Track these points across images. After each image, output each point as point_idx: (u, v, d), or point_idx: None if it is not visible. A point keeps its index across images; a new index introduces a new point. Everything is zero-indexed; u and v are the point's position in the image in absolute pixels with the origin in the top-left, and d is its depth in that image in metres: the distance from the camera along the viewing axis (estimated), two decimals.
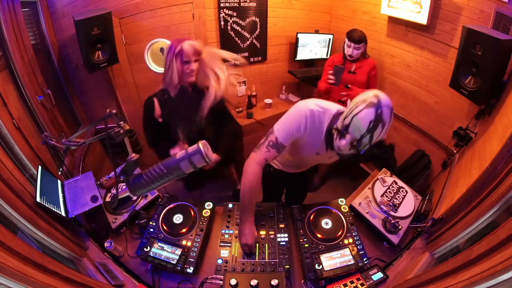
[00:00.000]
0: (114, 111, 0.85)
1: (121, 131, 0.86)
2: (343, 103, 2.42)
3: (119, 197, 1.46)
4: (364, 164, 2.83)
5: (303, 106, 1.13)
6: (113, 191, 1.54)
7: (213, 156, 1.73)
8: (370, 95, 0.96)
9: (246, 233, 1.27)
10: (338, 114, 1.11)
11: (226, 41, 2.68)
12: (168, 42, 1.47)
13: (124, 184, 1.50)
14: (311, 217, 1.38)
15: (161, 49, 2.28)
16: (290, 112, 1.16)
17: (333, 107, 1.15)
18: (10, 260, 0.76)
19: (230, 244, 1.31)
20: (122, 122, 0.87)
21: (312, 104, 1.12)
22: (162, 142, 1.59)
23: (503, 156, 1.16)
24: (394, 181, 1.58)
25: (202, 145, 0.81)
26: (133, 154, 0.89)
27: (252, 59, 2.93)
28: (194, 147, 0.82)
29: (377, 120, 0.93)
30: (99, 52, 2.02)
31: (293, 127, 1.13)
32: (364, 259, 1.21)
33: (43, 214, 1.18)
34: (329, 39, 3.03)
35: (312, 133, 1.15)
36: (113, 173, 1.66)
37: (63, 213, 1.28)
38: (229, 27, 2.63)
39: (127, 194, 1.50)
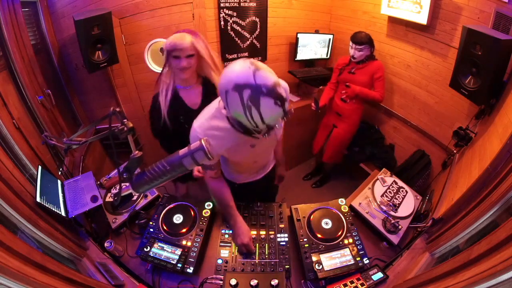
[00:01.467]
0: (117, 109, 0.85)
1: (125, 128, 0.87)
2: (345, 102, 2.43)
3: (122, 194, 1.46)
4: (364, 164, 2.83)
5: (192, 132, 1.09)
6: (114, 190, 1.55)
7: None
8: (235, 94, 0.81)
9: (239, 233, 1.27)
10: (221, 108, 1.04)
11: (226, 41, 2.68)
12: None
13: (124, 184, 1.51)
14: (311, 217, 1.38)
15: (161, 49, 2.27)
16: (191, 141, 1.10)
17: (211, 108, 1.09)
18: (10, 260, 0.76)
19: (230, 244, 1.31)
20: (125, 120, 0.87)
21: (197, 124, 1.09)
22: (167, 137, 1.55)
23: (503, 156, 1.16)
24: (394, 181, 1.58)
25: (204, 141, 0.81)
26: (136, 151, 0.89)
27: (252, 59, 2.92)
28: (196, 143, 0.83)
29: (274, 94, 0.80)
30: (99, 52, 2.02)
31: (211, 151, 1.10)
32: (364, 259, 1.21)
33: (43, 214, 1.18)
34: (329, 39, 3.03)
35: (222, 142, 1.08)
36: (113, 173, 1.66)
37: (63, 213, 1.28)
38: (229, 27, 2.63)
39: (130, 191, 1.50)
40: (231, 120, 1.04)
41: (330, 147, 2.68)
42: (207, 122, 1.08)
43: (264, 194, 1.71)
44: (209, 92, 1.50)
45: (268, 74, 0.82)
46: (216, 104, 1.09)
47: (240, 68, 0.82)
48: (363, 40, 2.16)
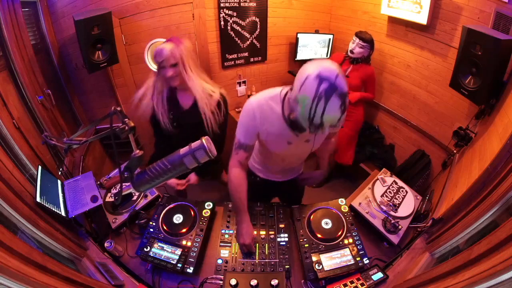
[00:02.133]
0: (118, 108, 0.85)
1: (126, 127, 0.86)
2: None
3: (122, 193, 1.46)
4: (364, 164, 2.83)
5: (247, 103, 1.16)
6: (114, 190, 1.55)
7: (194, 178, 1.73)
8: (315, 81, 0.86)
9: (243, 233, 1.27)
10: (285, 95, 1.10)
11: (226, 41, 2.68)
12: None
13: (125, 184, 1.51)
14: (311, 217, 1.38)
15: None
16: (241, 112, 1.20)
17: (273, 91, 1.14)
18: (10, 260, 0.76)
19: (230, 244, 1.31)
20: (126, 119, 0.87)
21: (254, 98, 1.16)
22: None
23: (503, 156, 1.16)
24: (394, 181, 1.58)
25: (205, 140, 0.81)
26: (137, 151, 0.89)
27: (252, 59, 2.93)
28: (197, 142, 0.83)
29: (343, 99, 0.88)
30: (99, 52, 2.02)
31: (246, 123, 1.17)
32: (364, 259, 1.21)
33: (43, 214, 1.18)
34: (329, 39, 3.03)
35: (268, 122, 1.14)
36: (113, 173, 1.66)
37: (63, 213, 1.28)
38: (229, 27, 2.63)
39: (130, 190, 1.50)
40: (285, 109, 1.08)
41: (343, 148, 2.68)
42: (264, 99, 1.14)
43: (288, 195, 1.70)
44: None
45: (345, 83, 0.88)
46: (277, 91, 1.14)
47: (329, 65, 0.90)
48: (368, 38, 2.18)
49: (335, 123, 0.92)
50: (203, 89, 1.46)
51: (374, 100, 2.62)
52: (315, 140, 1.23)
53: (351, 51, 2.26)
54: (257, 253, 1.27)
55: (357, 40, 2.22)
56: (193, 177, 1.73)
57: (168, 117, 1.49)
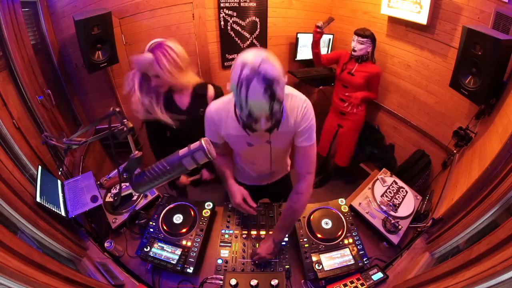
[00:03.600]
0: (117, 109, 0.85)
1: (125, 128, 0.86)
2: (343, 101, 2.44)
3: (121, 194, 1.46)
4: (364, 164, 2.83)
5: (207, 108, 1.18)
6: (114, 190, 1.55)
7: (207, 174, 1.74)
8: (238, 69, 0.85)
9: (231, 196, 1.25)
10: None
11: (226, 41, 2.68)
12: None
13: (125, 184, 1.51)
14: (311, 217, 1.38)
15: None
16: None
17: (231, 95, 1.11)
18: (10, 260, 0.76)
19: (230, 244, 1.31)
20: (125, 120, 0.87)
21: (214, 102, 1.18)
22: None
23: (503, 156, 1.16)
24: (394, 181, 1.58)
25: (204, 141, 0.81)
26: (136, 152, 0.89)
27: None
28: (196, 144, 0.83)
29: (267, 84, 0.84)
30: (99, 52, 2.02)
31: (208, 127, 1.19)
32: (364, 259, 1.21)
33: (43, 214, 1.18)
34: (329, 39, 3.03)
35: (225, 125, 1.14)
36: (113, 173, 1.66)
37: (63, 213, 1.28)
38: (229, 27, 2.63)
39: (130, 191, 1.50)
40: (235, 106, 1.07)
41: (342, 149, 2.67)
42: (222, 103, 1.15)
43: (277, 196, 1.63)
44: (197, 96, 1.50)
45: (273, 68, 0.86)
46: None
47: (255, 53, 0.88)
48: (366, 32, 2.18)
49: (265, 111, 0.89)
50: (195, 88, 1.47)
51: (381, 103, 2.63)
52: (275, 141, 1.17)
53: (353, 50, 2.26)
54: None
55: (356, 37, 2.22)
56: (205, 173, 1.74)
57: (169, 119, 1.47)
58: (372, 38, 2.21)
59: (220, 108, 1.14)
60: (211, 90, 1.50)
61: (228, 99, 1.14)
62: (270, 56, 0.88)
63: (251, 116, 0.92)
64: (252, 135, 1.08)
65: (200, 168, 1.73)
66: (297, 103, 1.09)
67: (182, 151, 0.84)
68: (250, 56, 0.86)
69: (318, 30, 2.13)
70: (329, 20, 2.14)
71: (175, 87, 1.42)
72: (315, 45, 2.24)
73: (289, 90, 1.10)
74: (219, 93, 1.50)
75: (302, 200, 1.19)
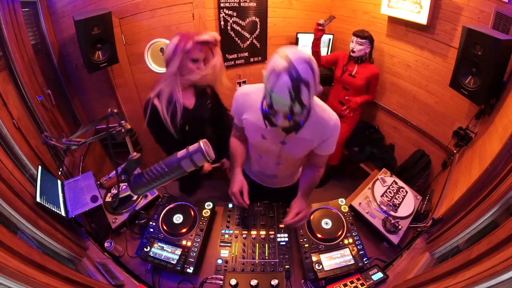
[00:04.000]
0: (115, 110, 0.85)
1: (123, 130, 0.87)
2: (343, 104, 2.45)
3: (120, 196, 1.46)
4: (364, 164, 2.83)
5: (238, 89, 1.21)
6: (113, 190, 1.55)
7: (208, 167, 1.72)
8: (277, 59, 0.87)
9: (232, 181, 1.26)
10: None
11: (226, 41, 2.68)
12: (168, 42, 1.40)
13: (125, 184, 1.51)
14: (311, 217, 1.38)
15: (161, 49, 2.29)
16: None
17: (261, 84, 1.12)
18: (10, 260, 0.76)
19: (230, 244, 1.31)
20: (123, 121, 0.87)
21: (246, 86, 1.21)
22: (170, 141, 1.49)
23: (503, 156, 1.16)
24: (394, 181, 1.58)
25: (203, 143, 0.81)
26: (135, 153, 0.89)
27: (252, 59, 2.93)
28: (195, 145, 0.82)
29: (296, 84, 0.84)
30: (99, 52, 2.02)
31: (234, 106, 1.21)
32: (364, 259, 1.21)
33: (43, 214, 1.18)
34: (329, 39, 3.02)
35: (248, 110, 1.16)
36: (113, 173, 1.66)
37: (63, 213, 1.28)
38: (229, 27, 2.63)
39: (128, 193, 1.50)
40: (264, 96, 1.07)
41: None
42: (253, 88, 1.17)
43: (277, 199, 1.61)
44: (201, 92, 1.52)
45: (309, 71, 0.86)
46: None
47: (300, 51, 0.89)
48: (365, 34, 2.20)
49: (285, 107, 0.89)
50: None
51: (373, 100, 2.64)
52: (290, 144, 1.17)
53: (352, 51, 2.28)
54: (257, 253, 1.27)
55: (355, 38, 2.25)
56: (227, 162, 1.75)
57: (173, 118, 1.42)
58: (370, 39, 2.24)
59: (250, 92, 1.16)
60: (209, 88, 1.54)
61: (260, 86, 1.13)
62: (312, 61, 0.88)
63: (271, 107, 0.93)
64: (269, 129, 1.08)
65: (219, 158, 1.75)
66: (328, 117, 1.11)
67: (180, 153, 0.84)
68: (294, 52, 0.86)
69: (320, 27, 2.13)
70: (330, 18, 2.14)
71: (202, 81, 1.41)
72: (316, 43, 2.25)
73: (322, 103, 1.12)
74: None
75: (320, 172, 1.31)
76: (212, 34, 1.34)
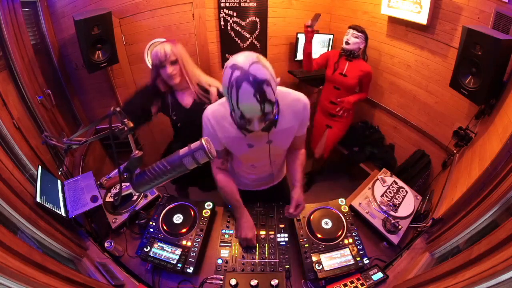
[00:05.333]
0: (118, 109, 0.85)
1: (125, 128, 0.87)
2: (334, 104, 2.40)
3: (122, 194, 1.46)
4: (364, 164, 2.83)
5: (204, 113, 1.16)
6: (114, 190, 1.55)
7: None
8: (229, 71, 0.86)
9: (244, 227, 1.27)
10: None
11: (226, 41, 2.68)
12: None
13: (124, 184, 1.51)
14: (311, 217, 1.38)
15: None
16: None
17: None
18: (10, 260, 0.76)
19: (230, 244, 1.31)
20: (126, 120, 0.87)
21: (210, 106, 1.16)
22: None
23: (503, 156, 1.16)
24: (394, 181, 1.58)
25: (204, 141, 0.81)
26: (137, 151, 0.89)
27: None
28: (197, 143, 0.83)
29: (257, 87, 0.83)
30: (99, 52, 2.02)
31: (207, 133, 1.16)
32: (364, 259, 1.21)
33: (43, 214, 1.18)
34: (329, 39, 3.03)
35: (223, 128, 1.13)
36: (113, 173, 1.66)
37: (63, 213, 1.28)
38: (229, 27, 2.63)
39: (130, 191, 1.50)
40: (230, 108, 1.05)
41: (327, 146, 2.64)
42: (218, 105, 1.13)
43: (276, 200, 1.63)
44: (201, 93, 1.52)
45: (263, 70, 0.85)
46: None
47: (246, 55, 0.88)
48: (362, 29, 2.16)
49: (257, 113, 0.89)
50: (199, 84, 1.51)
51: (367, 97, 2.58)
52: (276, 140, 1.17)
53: (346, 42, 2.20)
54: (257, 253, 1.27)
55: (351, 31, 2.17)
56: None
57: (171, 118, 1.52)
58: (366, 35, 2.19)
59: (216, 110, 1.13)
60: (214, 90, 1.52)
61: (224, 101, 1.13)
62: (261, 58, 0.88)
63: (243, 117, 0.92)
64: (251, 135, 1.08)
65: None
66: (296, 99, 1.12)
67: (182, 151, 0.84)
68: (241, 59, 0.86)
69: (309, 29, 2.08)
70: (316, 17, 2.08)
71: (185, 78, 1.45)
72: (307, 46, 2.17)
73: (282, 88, 1.11)
74: (221, 94, 1.53)
75: (303, 152, 1.35)
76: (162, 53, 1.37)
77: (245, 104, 0.87)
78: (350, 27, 2.21)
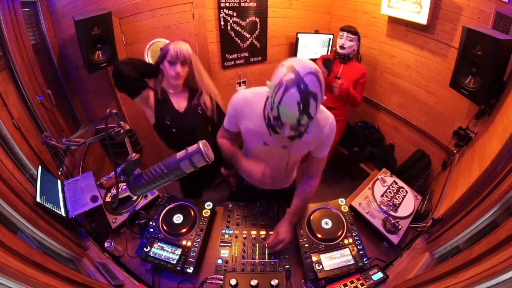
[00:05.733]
0: (114, 111, 0.85)
1: (121, 131, 0.87)
2: (331, 109, 2.36)
3: (119, 196, 1.46)
4: (364, 164, 2.83)
5: (236, 95, 1.16)
6: (113, 190, 1.55)
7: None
8: (284, 71, 0.86)
9: (253, 169, 1.19)
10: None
11: (226, 41, 2.68)
12: (167, 42, 1.43)
13: (124, 184, 1.51)
14: (311, 217, 1.38)
15: (162, 49, 2.28)
16: (230, 100, 1.19)
17: (264, 88, 1.09)
18: (10, 260, 0.76)
19: (230, 244, 1.31)
20: (122, 122, 0.87)
21: (244, 91, 1.16)
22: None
23: (503, 156, 1.16)
24: (394, 181, 1.58)
25: (202, 144, 0.81)
26: (134, 154, 0.89)
27: (252, 59, 2.93)
28: (194, 146, 0.82)
29: (304, 97, 0.83)
30: (99, 52, 2.02)
31: (230, 113, 1.18)
32: (364, 259, 1.21)
33: (43, 214, 1.18)
34: (329, 39, 3.03)
35: (249, 118, 1.13)
36: (113, 173, 1.66)
37: (63, 213, 1.28)
38: (229, 27, 2.63)
39: (128, 193, 1.50)
40: (267, 106, 1.04)
41: None
42: (252, 94, 1.13)
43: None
44: (194, 97, 1.51)
45: (316, 83, 0.85)
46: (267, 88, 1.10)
47: (307, 62, 0.87)
48: (354, 30, 2.15)
49: (293, 120, 0.88)
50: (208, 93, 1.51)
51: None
52: (292, 148, 1.17)
53: (341, 47, 2.18)
54: (257, 253, 1.27)
55: (345, 34, 2.15)
56: (224, 170, 1.74)
57: (161, 120, 1.47)
58: (359, 35, 2.18)
59: (250, 98, 1.12)
60: (214, 104, 1.54)
61: (260, 92, 1.12)
62: (318, 72, 0.87)
63: (278, 119, 0.92)
64: (272, 136, 1.08)
65: (216, 167, 1.73)
66: (324, 118, 1.12)
67: (179, 154, 0.84)
68: (300, 64, 0.85)
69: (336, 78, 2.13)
70: (327, 63, 2.11)
71: (195, 80, 1.45)
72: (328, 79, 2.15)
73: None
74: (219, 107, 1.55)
75: (315, 184, 1.31)
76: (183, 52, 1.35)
77: (286, 108, 0.86)
78: (343, 30, 2.17)
